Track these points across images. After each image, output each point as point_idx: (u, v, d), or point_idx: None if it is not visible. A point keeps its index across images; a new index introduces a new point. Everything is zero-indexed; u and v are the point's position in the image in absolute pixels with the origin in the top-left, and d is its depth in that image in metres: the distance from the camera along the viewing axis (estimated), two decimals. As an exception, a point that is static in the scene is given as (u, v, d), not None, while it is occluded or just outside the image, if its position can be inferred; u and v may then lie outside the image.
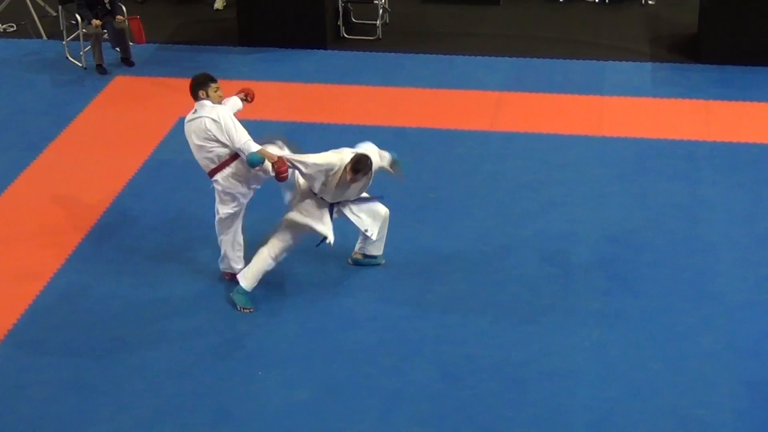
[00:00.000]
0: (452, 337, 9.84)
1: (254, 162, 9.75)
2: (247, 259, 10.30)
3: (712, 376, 9.34)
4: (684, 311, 10.14)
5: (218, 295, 10.33)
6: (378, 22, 16.15)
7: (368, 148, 10.19)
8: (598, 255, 10.96)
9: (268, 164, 9.80)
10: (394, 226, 11.28)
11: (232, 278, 10.34)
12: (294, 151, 10.18)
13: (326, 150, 10.05)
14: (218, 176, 9.98)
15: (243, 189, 10.07)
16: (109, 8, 15.02)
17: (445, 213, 11.66)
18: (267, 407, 9.04)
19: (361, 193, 10.27)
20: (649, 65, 15.11)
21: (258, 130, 13.22)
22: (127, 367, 9.45)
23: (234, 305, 10.14)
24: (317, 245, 10.29)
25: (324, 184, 9.89)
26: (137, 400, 9.07)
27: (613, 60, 15.28)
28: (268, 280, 10.32)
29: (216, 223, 10.26)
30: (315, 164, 9.83)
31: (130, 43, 15.32)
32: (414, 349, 9.70)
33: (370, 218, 10.37)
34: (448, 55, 15.54)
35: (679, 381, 9.29)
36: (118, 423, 8.86)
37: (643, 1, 17.31)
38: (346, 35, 16.17)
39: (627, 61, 15.26)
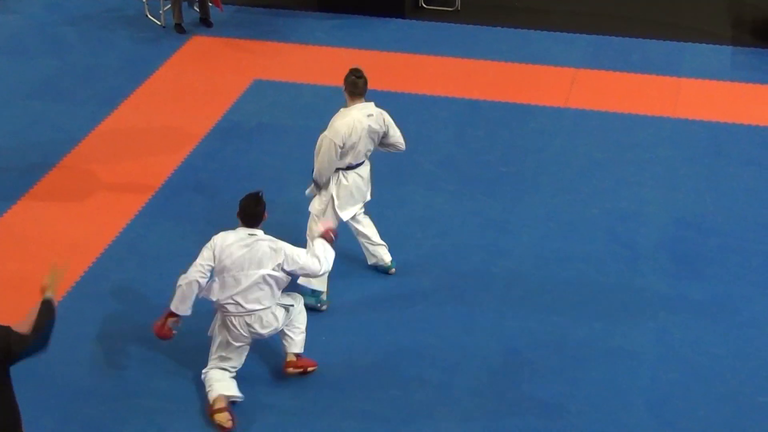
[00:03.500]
0: (514, 312, 9.82)
1: None
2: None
3: (776, 364, 9.27)
4: (751, 298, 10.04)
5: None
6: (457, -7, 16.09)
7: None
8: (666, 237, 10.87)
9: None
10: (465, 198, 11.29)
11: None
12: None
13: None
14: None
15: None
16: (191, -33, 15.12)
17: (514, 188, 11.61)
18: (328, 371, 9.07)
19: None
20: (728, 48, 14.91)
21: (331, 95, 13.33)
22: (187, 325, 9.49)
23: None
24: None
25: None
26: (193, 362, 9.11)
27: (693, 42, 15.10)
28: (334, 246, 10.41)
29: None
30: None
31: (209, 5, 15.39)
32: (475, 323, 9.69)
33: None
34: (525, 30, 15.44)
35: (741, 367, 9.21)
36: (176, 381, 8.99)
37: (726, -16, 17.11)
38: (424, 5, 16.11)
39: (707, 43, 15.07)
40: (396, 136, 9.79)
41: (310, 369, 9.07)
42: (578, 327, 9.64)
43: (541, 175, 11.86)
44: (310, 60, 14.42)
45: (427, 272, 10.33)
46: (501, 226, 10.99)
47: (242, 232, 8.51)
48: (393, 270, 10.26)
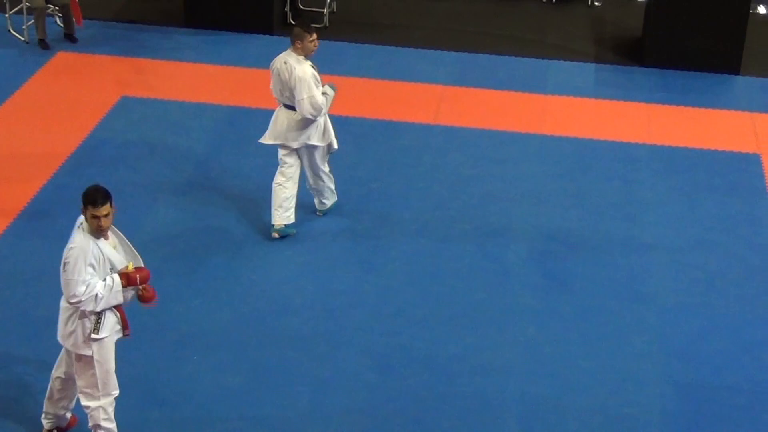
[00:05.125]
0: (386, 328, 9.86)
1: None
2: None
3: (642, 376, 9.43)
4: (616, 311, 10.23)
5: (153, 277, 10.24)
6: (325, 10, 16.10)
7: None
8: (534, 252, 11.02)
9: None
10: (332, 215, 11.31)
11: None
12: None
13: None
14: None
15: None
16: (55, -18, 14.86)
17: (384, 204, 11.67)
18: (198, 391, 9.01)
19: None
20: (592, 66, 15.19)
21: (200, 112, 13.25)
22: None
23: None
24: None
25: None
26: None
27: (558, 59, 15.34)
28: (206, 264, 10.34)
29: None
30: None
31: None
32: (347, 339, 9.71)
33: None
34: (394, 47, 15.51)
35: (608, 380, 9.37)
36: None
37: (589, 2, 17.39)
38: (292, 22, 16.10)
39: (571, 61, 15.33)
40: (298, 100, 10.62)
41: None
42: (448, 342, 9.72)
43: (411, 191, 11.93)
44: (177, 76, 14.31)
45: (296, 289, 10.32)
46: (371, 242, 11.03)
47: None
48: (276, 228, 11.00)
